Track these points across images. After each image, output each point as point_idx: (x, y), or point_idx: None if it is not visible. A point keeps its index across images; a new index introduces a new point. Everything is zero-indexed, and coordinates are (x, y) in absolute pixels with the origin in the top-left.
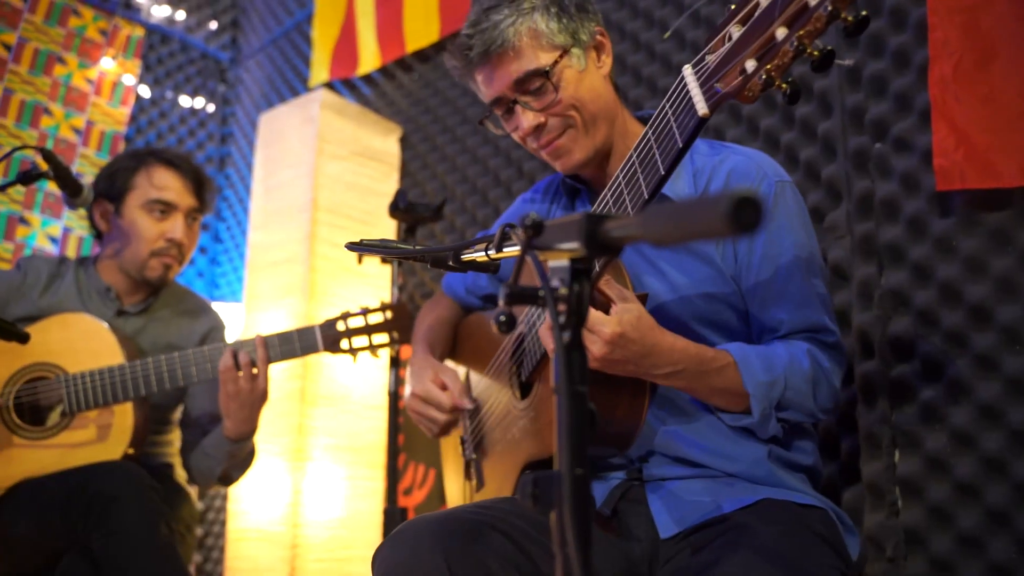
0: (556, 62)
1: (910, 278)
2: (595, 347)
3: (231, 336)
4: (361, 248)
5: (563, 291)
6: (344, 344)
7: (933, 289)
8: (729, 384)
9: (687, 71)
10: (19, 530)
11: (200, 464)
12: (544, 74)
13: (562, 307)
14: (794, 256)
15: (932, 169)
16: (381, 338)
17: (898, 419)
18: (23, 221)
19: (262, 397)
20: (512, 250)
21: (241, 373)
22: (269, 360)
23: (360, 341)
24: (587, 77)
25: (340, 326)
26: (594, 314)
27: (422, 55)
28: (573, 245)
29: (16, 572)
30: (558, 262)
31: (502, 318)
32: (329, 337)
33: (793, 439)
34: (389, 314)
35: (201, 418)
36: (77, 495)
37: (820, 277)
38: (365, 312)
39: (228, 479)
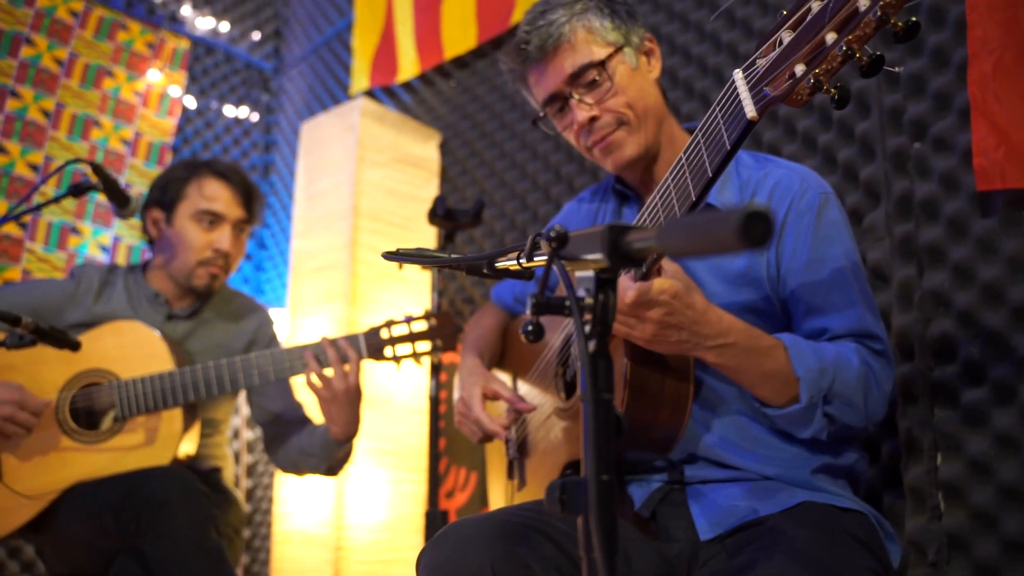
0: (610, 56)
1: (951, 279)
2: (653, 311)
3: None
4: (397, 257)
5: (589, 301)
6: (388, 352)
7: (974, 290)
8: (779, 367)
9: (738, 75)
10: (73, 531)
11: (303, 461)
12: (600, 65)
13: (588, 316)
14: (839, 265)
15: (972, 169)
16: (424, 346)
17: (940, 422)
18: (75, 231)
19: (358, 393)
20: (543, 259)
21: (332, 376)
22: (360, 358)
23: (404, 349)
24: (638, 76)
25: (384, 334)
26: (647, 283)
27: (460, 61)
28: (597, 256)
29: (72, 572)
30: (584, 272)
31: (529, 328)
32: (373, 345)
33: (836, 443)
34: (433, 322)
35: (284, 413)
36: (129, 499)
37: (866, 286)
38: (409, 320)
39: (334, 471)
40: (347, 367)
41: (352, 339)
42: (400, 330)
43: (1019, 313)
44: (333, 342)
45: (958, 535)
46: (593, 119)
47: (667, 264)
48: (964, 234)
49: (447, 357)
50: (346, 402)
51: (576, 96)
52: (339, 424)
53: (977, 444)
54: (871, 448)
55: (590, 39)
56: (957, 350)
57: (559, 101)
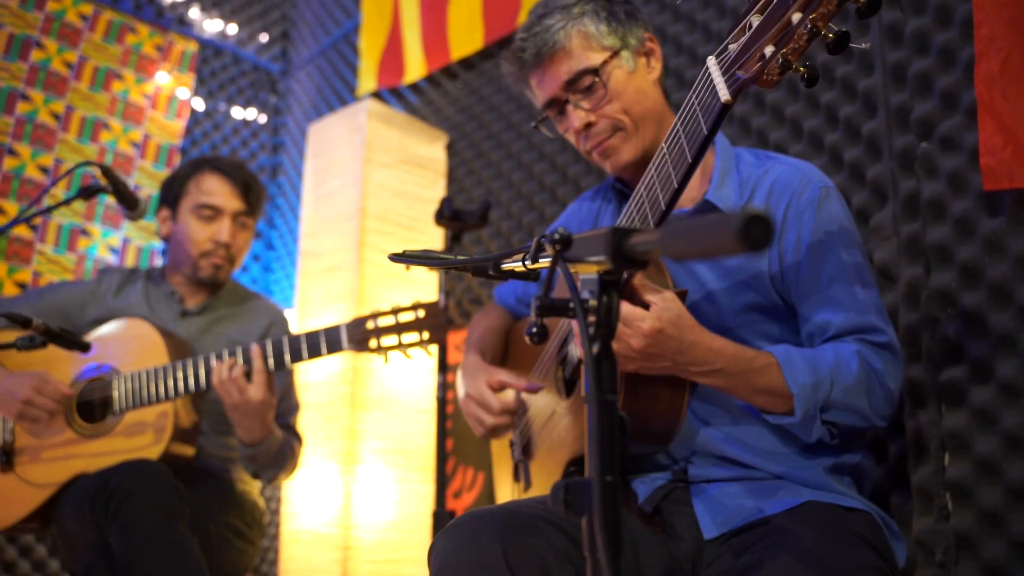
0: (606, 62)
1: (958, 279)
2: (634, 341)
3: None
4: (404, 259)
5: (592, 303)
6: (372, 343)
7: (982, 290)
8: (772, 384)
9: (711, 61)
10: (67, 524)
11: (240, 461)
12: (594, 72)
13: (592, 318)
14: (840, 259)
15: (979, 168)
16: (411, 337)
17: (947, 422)
18: (85, 233)
19: (260, 406)
20: (548, 260)
21: (234, 385)
22: (269, 369)
23: (389, 340)
24: (636, 79)
25: (369, 325)
26: (634, 310)
27: (467, 63)
28: (600, 258)
29: (78, 565)
30: (588, 274)
31: (534, 330)
32: (356, 336)
33: (840, 442)
34: (421, 313)
35: None
36: (101, 490)
37: (868, 278)
38: (396, 311)
39: (258, 477)
40: (247, 378)
41: (333, 330)
42: (386, 321)
43: None
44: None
45: (966, 535)
46: (589, 125)
47: (652, 295)
48: (971, 234)
49: (453, 357)
50: (248, 412)
51: (572, 101)
52: (240, 428)
53: (985, 444)
54: (878, 448)
55: (585, 45)
56: (964, 350)
57: (558, 105)
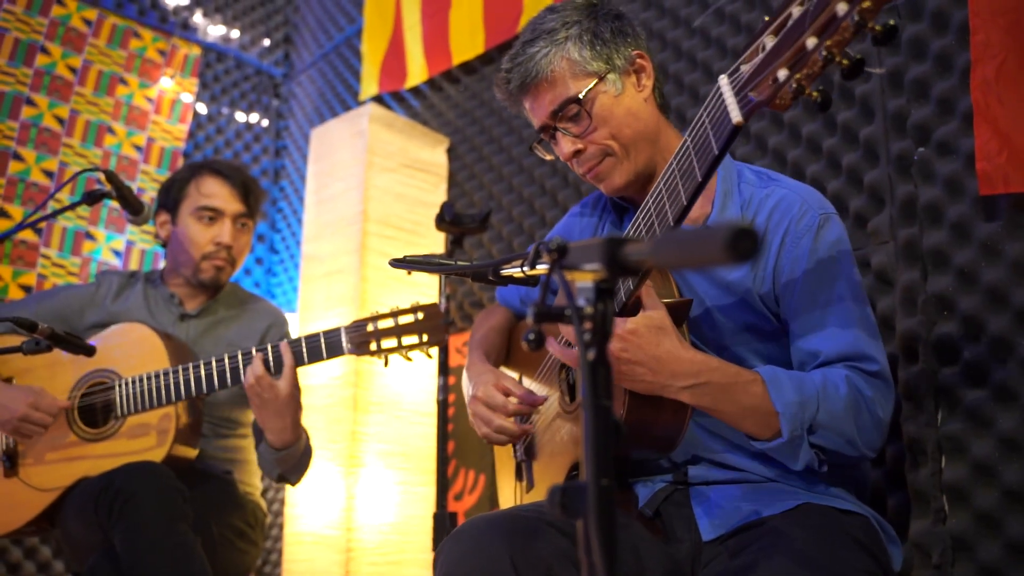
0: (591, 89)
1: (955, 283)
2: (611, 345)
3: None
4: (404, 264)
5: (588, 310)
6: (372, 346)
7: (978, 293)
8: (757, 402)
9: (723, 81)
10: (72, 526)
11: (262, 465)
12: (577, 101)
13: (588, 325)
14: (835, 287)
15: (975, 173)
16: (411, 340)
17: (944, 425)
18: (89, 236)
19: (290, 403)
20: (545, 267)
21: (263, 384)
22: (295, 365)
23: (389, 343)
24: (624, 101)
25: (369, 327)
26: (616, 319)
27: (468, 67)
28: (595, 267)
29: (83, 567)
30: (584, 282)
31: (531, 336)
32: (356, 339)
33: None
34: (420, 315)
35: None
36: (104, 493)
37: (862, 307)
38: (395, 314)
39: (285, 480)
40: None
41: (333, 333)
42: (386, 324)
43: (1023, 316)
44: (272, 348)
45: (962, 538)
46: (579, 151)
47: (648, 299)
48: (968, 238)
49: (455, 360)
50: (279, 411)
51: (561, 129)
52: (272, 431)
53: (981, 447)
54: None
55: (569, 72)
56: (961, 353)
57: (549, 131)
